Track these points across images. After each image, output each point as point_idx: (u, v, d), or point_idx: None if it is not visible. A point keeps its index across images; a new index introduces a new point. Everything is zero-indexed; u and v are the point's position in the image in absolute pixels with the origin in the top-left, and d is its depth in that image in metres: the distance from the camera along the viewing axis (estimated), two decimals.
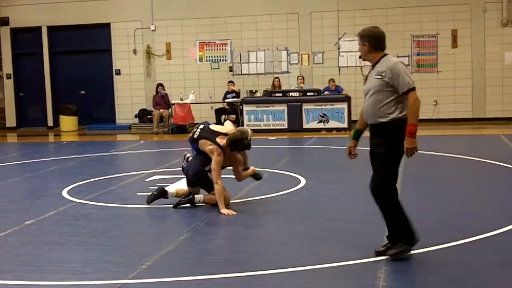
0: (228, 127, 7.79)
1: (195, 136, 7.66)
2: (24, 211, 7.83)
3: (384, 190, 5.40)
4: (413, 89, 5.29)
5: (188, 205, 7.68)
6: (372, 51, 5.45)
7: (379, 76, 5.35)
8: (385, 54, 5.47)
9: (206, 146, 7.50)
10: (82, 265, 5.51)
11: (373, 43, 5.43)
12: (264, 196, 8.25)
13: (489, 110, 18.11)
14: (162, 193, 7.83)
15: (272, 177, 9.72)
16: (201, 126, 7.74)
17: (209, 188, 7.57)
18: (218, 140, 7.47)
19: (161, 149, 14.80)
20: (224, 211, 7.26)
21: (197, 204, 7.69)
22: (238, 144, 7.41)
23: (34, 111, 20.98)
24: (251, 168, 8.05)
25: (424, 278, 4.94)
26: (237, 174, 7.85)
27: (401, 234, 5.41)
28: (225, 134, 7.53)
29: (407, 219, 5.43)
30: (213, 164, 7.39)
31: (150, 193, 7.93)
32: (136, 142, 16.32)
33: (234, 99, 17.93)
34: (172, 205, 7.68)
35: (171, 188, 8.08)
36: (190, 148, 8.04)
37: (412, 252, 5.51)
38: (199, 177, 7.59)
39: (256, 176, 8.12)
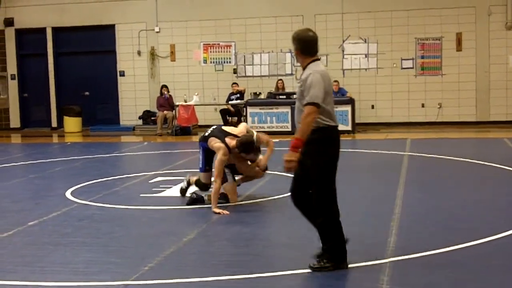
0: (240, 128, 7.85)
1: (206, 134, 7.76)
2: (28, 212, 7.84)
3: (322, 205, 5.17)
4: (314, 104, 4.96)
5: (191, 206, 7.71)
6: (300, 55, 5.19)
7: (299, 84, 5.16)
8: (315, 60, 5.18)
9: (214, 143, 7.56)
10: (85, 266, 5.52)
11: (300, 47, 5.17)
12: (266, 198, 8.25)
13: (493, 114, 18.07)
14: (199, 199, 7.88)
15: (275, 179, 9.71)
16: (214, 127, 7.92)
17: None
18: (227, 140, 7.54)
19: (165, 151, 14.81)
20: (216, 210, 7.34)
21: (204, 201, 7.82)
22: (249, 147, 7.47)
23: (38, 112, 21.01)
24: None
25: (427, 281, 4.93)
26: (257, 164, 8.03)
27: (333, 252, 5.18)
28: (235, 136, 7.57)
29: (343, 240, 5.21)
30: (216, 163, 7.48)
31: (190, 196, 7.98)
32: (140, 144, 16.34)
33: (238, 101, 17.93)
34: (175, 207, 7.70)
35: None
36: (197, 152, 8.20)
37: (416, 255, 5.51)
38: None
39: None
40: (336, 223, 5.22)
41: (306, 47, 5.18)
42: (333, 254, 5.20)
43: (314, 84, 5.02)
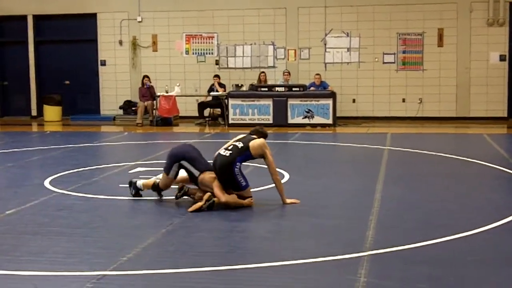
0: None
1: (239, 145, 7.47)
2: (6, 201, 7.77)
3: None
4: None
5: (171, 197, 7.69)
6: None
7: None
8: None
9: (255, 142, 7.50)
10: (63, 256, 5.48)
11: None
12: None
13: (473, 109, 18.21)
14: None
15: (256, 172, 9.71)
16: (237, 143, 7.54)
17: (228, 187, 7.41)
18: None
19: (145, 141, 14.74)
20: (288, 201, 7.42)
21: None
22: (265, 133, 7.77)
23: (18, 100, 20.80)
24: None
25: (404, 275, 4.96)
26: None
27: None
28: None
29: None
30: (270, 158, 7.49)
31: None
32: (120, 134, 16.25)
33: (220, 93, 17.89)
34: (158, 198, 7.69)
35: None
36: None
37: (394, 249, 5.54)
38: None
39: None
40: None
41: None
42: None
43: None
